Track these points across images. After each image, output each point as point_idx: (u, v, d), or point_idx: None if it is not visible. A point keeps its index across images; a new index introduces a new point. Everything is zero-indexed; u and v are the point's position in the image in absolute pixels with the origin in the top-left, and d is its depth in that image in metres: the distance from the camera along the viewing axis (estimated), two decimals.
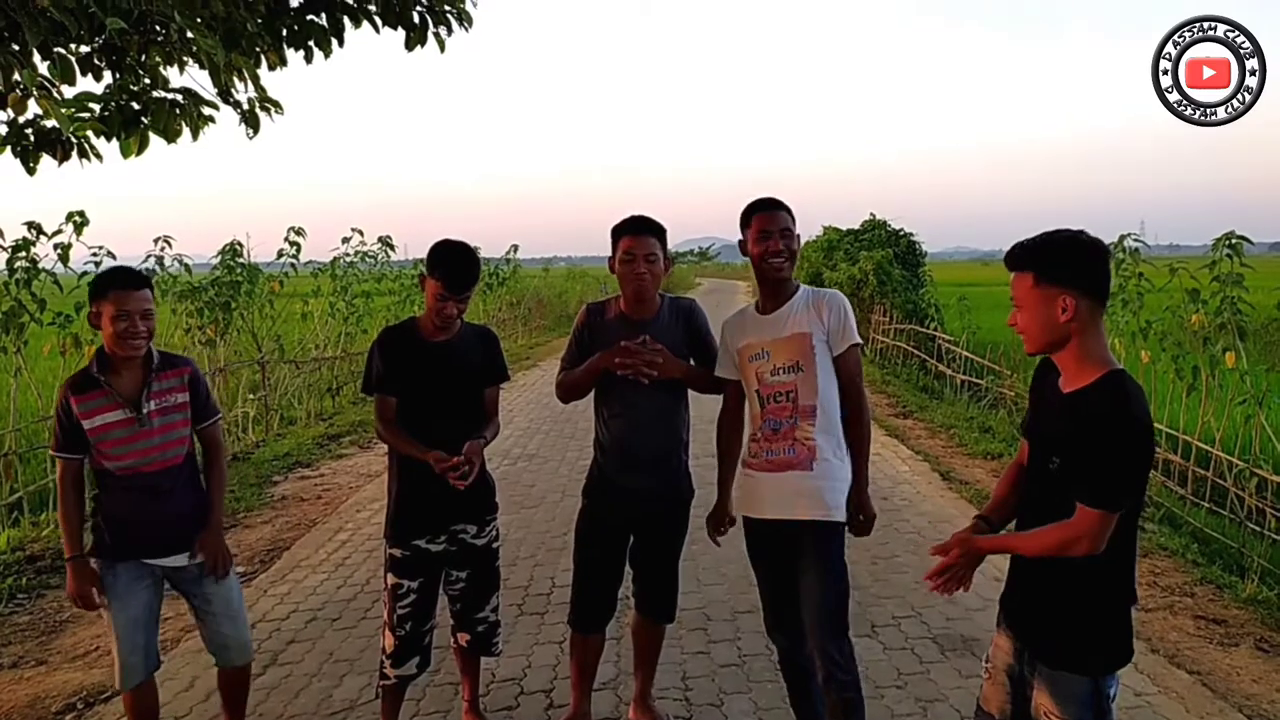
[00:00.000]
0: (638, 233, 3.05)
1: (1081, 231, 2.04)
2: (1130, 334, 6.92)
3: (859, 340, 2.86)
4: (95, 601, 2.84)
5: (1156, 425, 5.71)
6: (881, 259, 15.62)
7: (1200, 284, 6.50)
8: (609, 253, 3.16)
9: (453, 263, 2.98)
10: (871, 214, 18.51)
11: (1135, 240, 8.21)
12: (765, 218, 2.96)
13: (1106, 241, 6.78)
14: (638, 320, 3.11)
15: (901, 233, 17.98)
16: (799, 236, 2.95)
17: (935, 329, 13.61)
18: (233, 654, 3.07)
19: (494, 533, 3.25)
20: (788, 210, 2.97)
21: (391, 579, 3.10)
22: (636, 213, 3.14)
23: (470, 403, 3.15)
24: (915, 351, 13.22)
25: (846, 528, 2.83)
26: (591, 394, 3.22)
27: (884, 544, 5.35)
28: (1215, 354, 6.33)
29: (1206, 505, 6.12)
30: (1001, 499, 2.37)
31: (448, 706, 3.61)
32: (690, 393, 3.22)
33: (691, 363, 3.16)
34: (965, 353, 11.73)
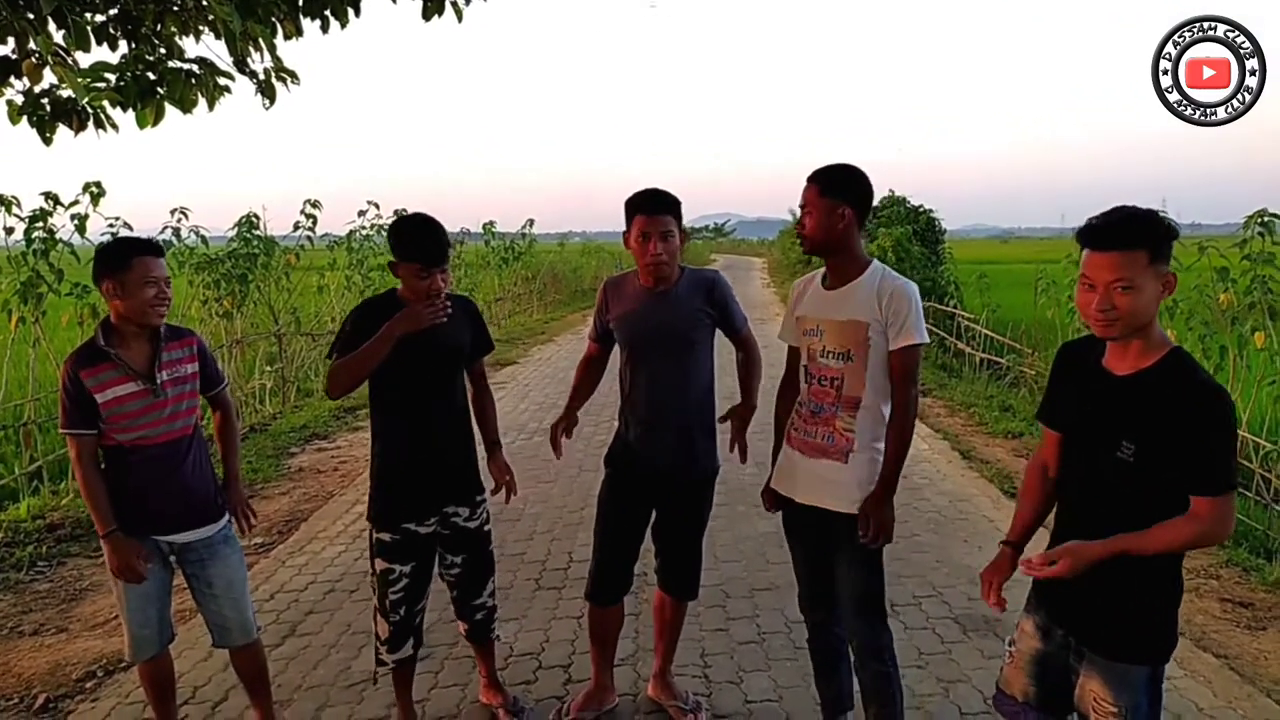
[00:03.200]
0: (653, 211, 2.95)
1: (1155, 210, 1.96)
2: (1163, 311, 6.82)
3: (923, 340, 2.59)
4: (143, 571, 2.79)
5: None
6: (900, 236, 15.46)
7: (1230, 262, 6.39)
8: (624, 227, 3.07)
9: (422, 237, 2.83)
10: (890, 190, 18.33)
11: None
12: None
13: None
14: (655, 291, 3.04)
15: (920, 209, 17.80)
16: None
17: (954, 307, 13.48)
18: (233, 635, 3.03)
19: (484, 515, 3.15)
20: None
21: (381, 564, 2.99)
22: (651, 187, 3.03)
23: (455, 378, 3.05)
24: (934, 330, 13.11)
25: (859, 532, 2.62)
26: (616, 362, 3.16)
27: (904, 523, 5.30)
28: (1244, 334, 6.23)
29: None
30: (1028, 522, 2.32)
31: (465, 679, 3.61)
32: (720, 363, 3.16)
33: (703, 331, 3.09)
34: (985, 330, 11.62)
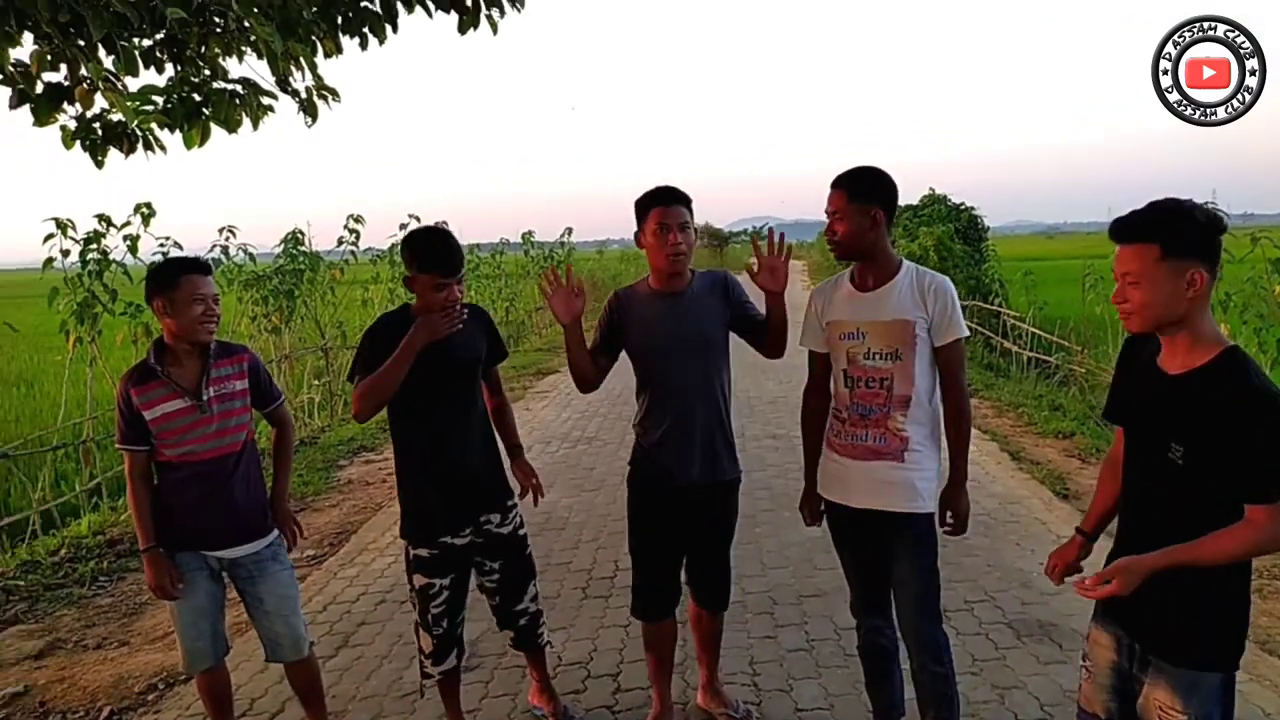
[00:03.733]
0: (669, 202, 2.91)
1: (1192, 201, 1.90)
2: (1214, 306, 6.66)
3: (965, 333, 2.68)
4: (174, 592, 2.87)
5: None
6: (942, 234, 15.27)
7: None
8: (636, 227, 3.01)
9: (438, 247, 2.84)
10: (931, 189, 18.12)
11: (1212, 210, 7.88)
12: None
13: None
14: (672, 294, 2.99)
15: (962, 207, 17.57)
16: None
17: (999, 305, 13.27)
18: (285, 650, 3.07)
19: (518, 519, 3.14)
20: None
21: (421, 580, 3.00)
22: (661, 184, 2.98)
23: (471, 389, 3.03)
24: (979, 329, 12.92)
25: (940, 527, 2.73)
26: (633, 375, 3.10)
27: None
28: None
29: None
30: (1103, 513, 2.29)
31: (515, 689, 3.62)
32: (734, 368, 3.11)
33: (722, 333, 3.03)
34: (1032, 328, 11.42)
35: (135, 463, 2.88)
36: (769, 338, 3.04)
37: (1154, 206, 1.92)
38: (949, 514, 2.73)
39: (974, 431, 7.76)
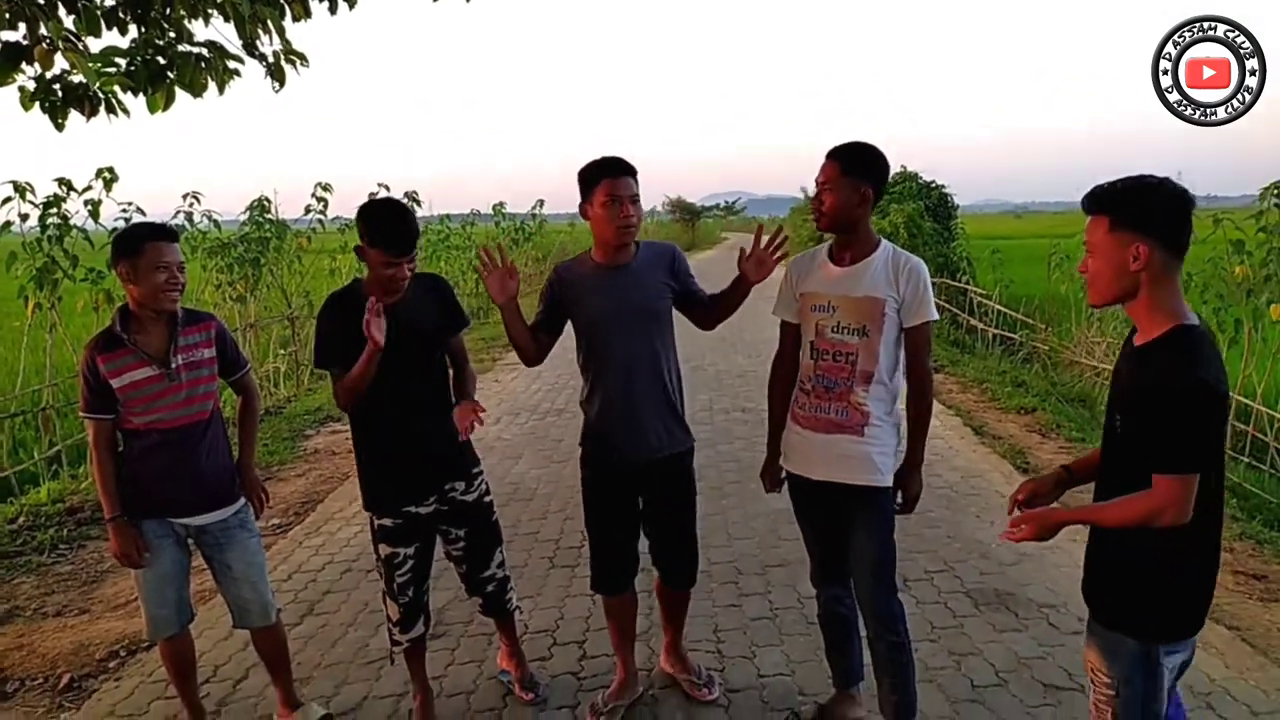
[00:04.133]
0: (618, 173, 2.83)
1: (1166, 179, 1.93)
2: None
3: (934, 316, 2.70)
4: (140, 561, 2.86)
5: None
6: (912, 212, 15.37)
7: (1246, 235, 6.34)
8: (581, 199, 2.91)
9: (392, 224, 2.80)
10: (902, 166, 18.19)
11: None
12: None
13: None
14: (616, 267, 2.94)
15: (933, 185, 17.68)
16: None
17: (967, 283, 13.42)
18: (253, 616, 3.07)
19: (483, 486, 3.14)
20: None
21: (385, 549, 3.01)
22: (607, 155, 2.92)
23: (430, 361, 2.99)
24: (946, 306, 13.06)
25: (895, 505, 2.78)
26: (555, 360, 3.03)
27: None
28: (1259, 306, 6.19)
29: (1246, 460, 6.03)
30: (1093, 460, 2.27)
31: (481, 656, 3.65)
32: (704, 341, 3.11)
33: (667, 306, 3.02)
34: (998, 306, 11.57)
35: (100, 431, 2.85)
36: (714, 313, 3.09)
37: (1119, 180, 1.96)
38: (899, 494, 2.78)
39: (938, 406, 7.90)
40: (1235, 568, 4.39)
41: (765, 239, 2.91)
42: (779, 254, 2.91)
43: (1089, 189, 1.99)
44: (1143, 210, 1.90)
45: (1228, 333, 6.30)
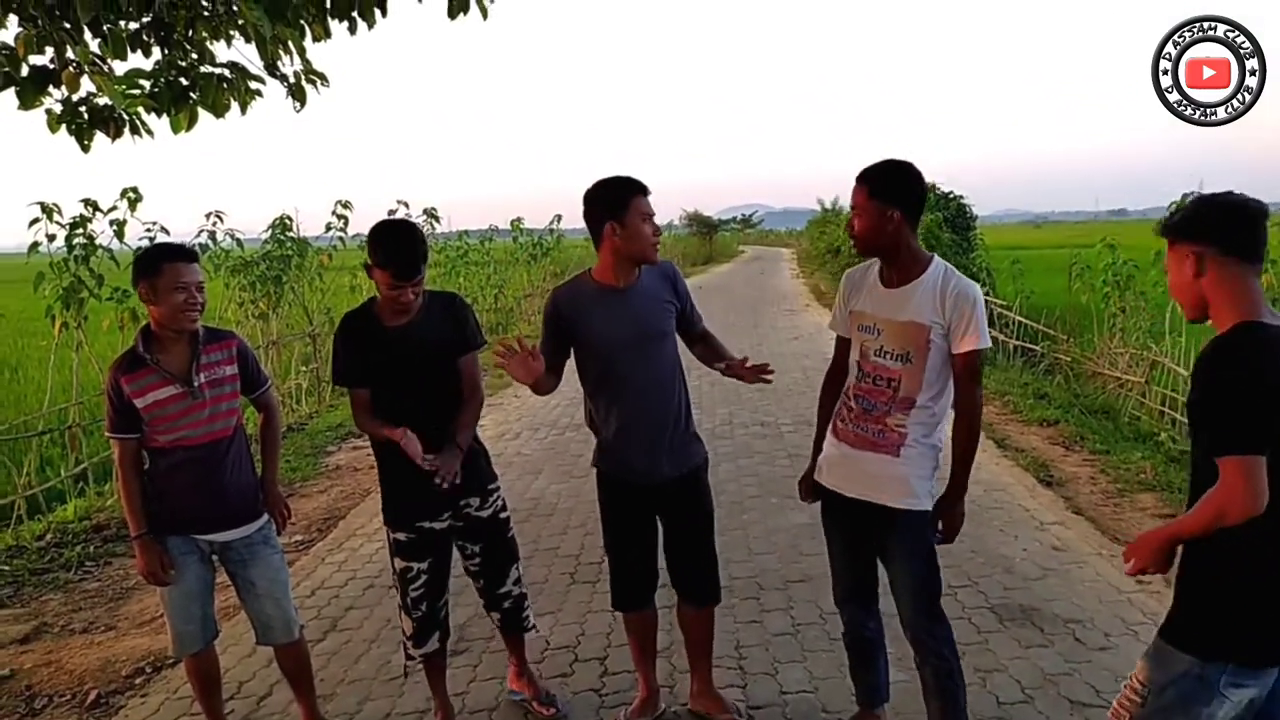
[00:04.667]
0: (646, 191, 2.84)
1: (1228, 193, 1.98)
2: None
3: (985, 344, 2.55)
4: (166, 579, 2.89)
5: None
6: (930, 223, 15.31)
7: (1269, 243, 6.29)
8: (607, 216, 2.85)
9: (398, 248, 2.81)
10: None
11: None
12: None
13: (1166, 202, 6.52)
14: (625, 288, 2.92)
15: (951, 195, 17.62)
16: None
17: (987, 294, 13.34)
18: (276, 633, 3.09)
19: (499, 502, 3.15)
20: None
21: (399, 563, 3.05)
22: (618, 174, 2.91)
23: (443, 380, 2.98)
24: None
25: (935, 532, 2.68)
26: (576, 375, 3.03)
27: None
28: None
29: None
30: None
31: (503, 673, 3.63)
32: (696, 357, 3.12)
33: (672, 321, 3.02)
34: (1019, 317, 11.49)
35: (125, 450, 2.88)
36: (704, 354, 3.13)
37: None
38: (940, 523, 2.68)
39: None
40: None
41: (757, 366, 2.94)
42: (762, 378, 2.93)
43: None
44: (1188, 222, 1.96)
45: None
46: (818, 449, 2.92)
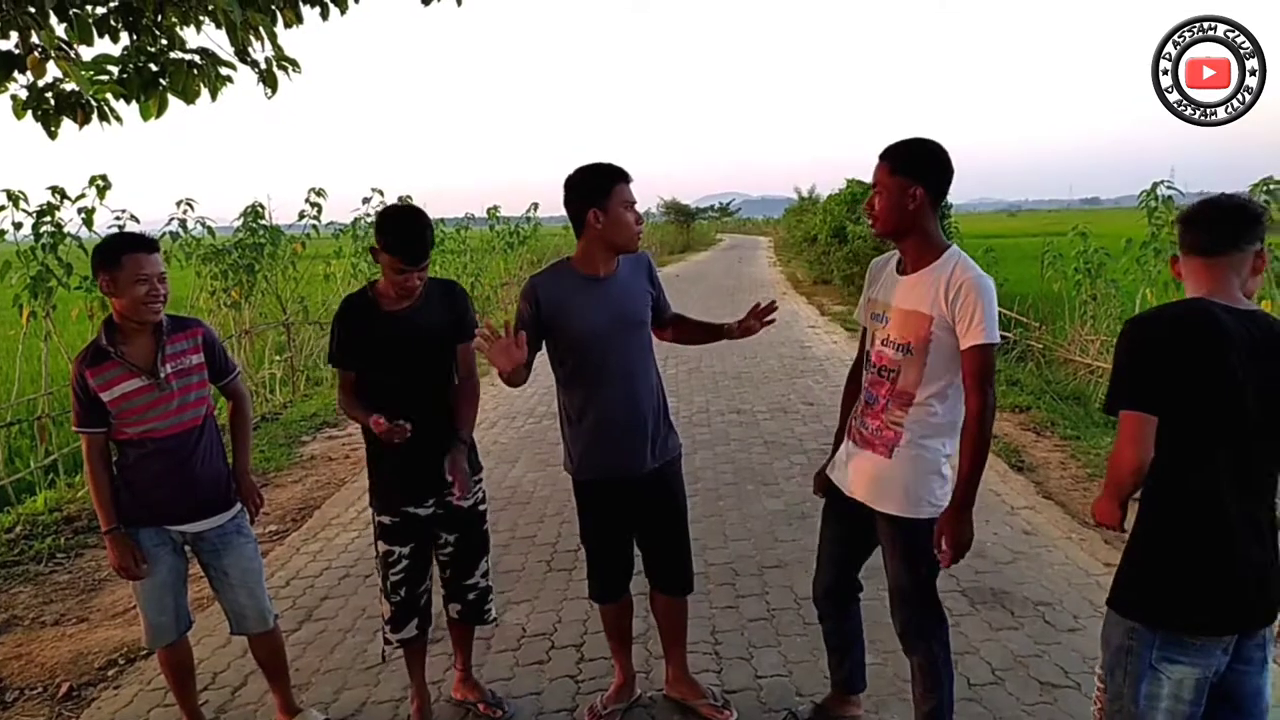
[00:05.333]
0: (629, 179, 2.82)
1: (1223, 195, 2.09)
2: (1162, 284, 6.82)
3: (994, 340, 2.37)
4: (138, 573, 2.87)
5: None
6: None
7: None
8: (591, 202, 2.79)
9: (409, 234, 2.80)
10: None
11: (1168, 188, 8.06)
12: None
13: (1137, 190, 6.60)
14: (604, 278, 2.88)
15: None
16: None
17: None
18: (250, 623, 3.08)
19: (480, 494, 3.15)
20: None
21: (383, 546, 3.05)
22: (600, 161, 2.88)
23: (439, 366, 3.01)
24: None
25: (935, 552, 2.51)
26: (548, 365, 2.98)
27: None
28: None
29: None
30: None
31: (480, 660, 3.65)
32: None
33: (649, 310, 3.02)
34: None
35: (93, 444, 2.84)
36: (679, 334, 3.15)
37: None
38: (944, 540, 2.47)
39: None
40: None
41: (764, 306, 2.95)
42: (767, 320, 2.96)
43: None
44: (1183, 228, 2.11)
45: None
46: (838, 443, 2.88)
